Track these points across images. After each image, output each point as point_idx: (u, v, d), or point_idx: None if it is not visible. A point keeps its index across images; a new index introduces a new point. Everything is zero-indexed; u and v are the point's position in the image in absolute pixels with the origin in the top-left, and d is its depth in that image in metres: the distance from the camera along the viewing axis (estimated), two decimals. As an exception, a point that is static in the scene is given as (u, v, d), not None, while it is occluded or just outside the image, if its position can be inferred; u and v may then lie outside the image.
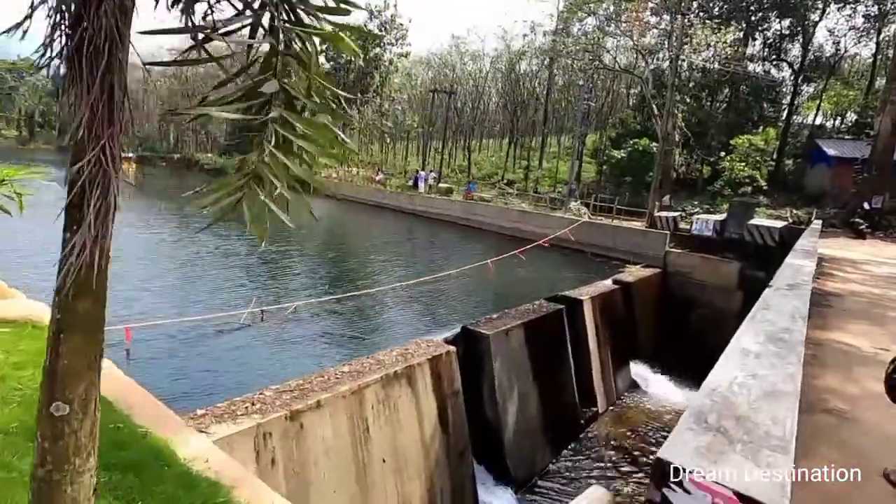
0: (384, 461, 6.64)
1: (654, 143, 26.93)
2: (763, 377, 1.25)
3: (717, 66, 29.77)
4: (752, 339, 1.65)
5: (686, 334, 16.03)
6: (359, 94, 45.83)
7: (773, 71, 36.74)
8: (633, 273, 16.68)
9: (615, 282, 15.33)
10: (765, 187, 27.80)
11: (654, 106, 26.54)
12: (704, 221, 18.96)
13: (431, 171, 35.99)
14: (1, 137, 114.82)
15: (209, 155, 74.49)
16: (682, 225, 20.96)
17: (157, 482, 1.93)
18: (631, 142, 31.37)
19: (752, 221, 18.47)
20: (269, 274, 14.46)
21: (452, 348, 8.11)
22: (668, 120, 21.98)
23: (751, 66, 33.92)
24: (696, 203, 28.81)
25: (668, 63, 28.62)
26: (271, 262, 16.07)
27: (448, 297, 13.26)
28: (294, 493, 5.55)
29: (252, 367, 7.42)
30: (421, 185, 34.01)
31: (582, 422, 11.49)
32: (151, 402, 2.83)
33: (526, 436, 9.44)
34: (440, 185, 34.04)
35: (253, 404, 5.66)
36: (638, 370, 14.64)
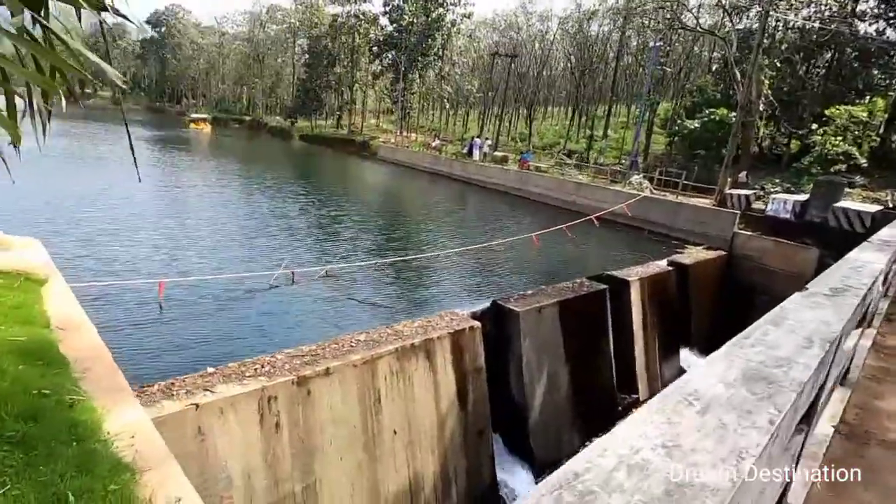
0: (395, 433, 6.53)
1: (735, 114, 24.37)
2: (685, 454, 0.72)
3: (817, 25, 26.20)
4: (719, 374, 1.12)
5: (748, 325, 14.69)
6: (419, 57, 44.96)
7: (889, 31, 31.78)
8: (692, 254, 15.40)
9: (670, 263, 14.24)
10: (864, 165, 24.53)
11: (736, 71, 23.91)
12: (782, 202, 17.03)
13: (487, 139, 34.93)
14: (98, 97, 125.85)
15: (277, 118, 77.07)
16: (757, 205, 19.03)
17: (48, 461, 1.79)
18: (707, 111, 28.66)
19: (840, 204, 16.35)
20: (314, 236, 14.66)
21: (477, 324, 7.78)
22: (750, 86, 19.68)
23: (861, 27, 29.57)
24: (777, 181, 26.02)
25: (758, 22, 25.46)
26: (319, 226, 16.32)
27: (486, 270, 12.86)
28: (299, 456, 5.58)
29: (271, 329, 7.49)
30: (475, 152, 33.16)
31: (620, 409, 10.91)
32: (109, 368, 2.74)
33: (553, 418, 9.06)
34: (495, 153, 33.04)
35: (262, 367, 5.67)
36: (689, 358, 13.69)
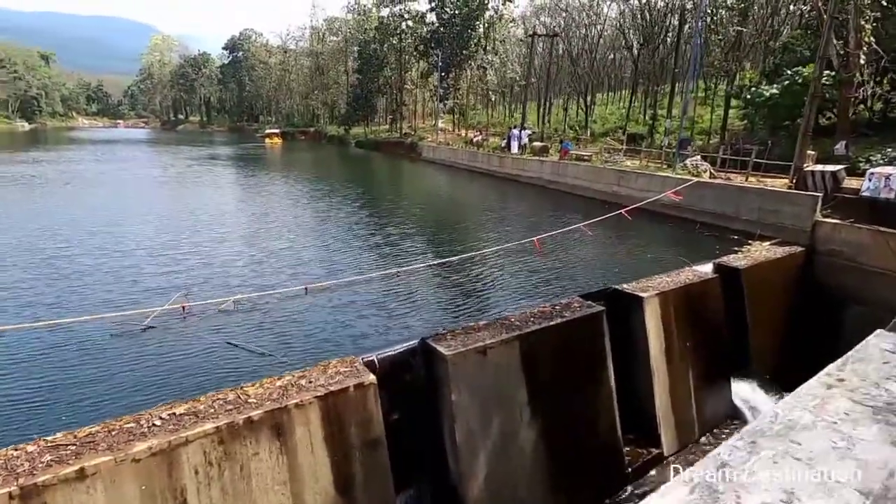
0: (218, 547, 4.67)
1: (830, 72, 19.49)
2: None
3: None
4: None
5: (835, 343, 11.00)
6: (461, 50, 42.74)
7: None
8: (750, 254, 11.96)
9: (717, 267, 11.05)
10: None
11: (824, 15, 19.13)
12: (884, 178, 12.81)
13: (525, 129, 31.85)
14: (189, 123, 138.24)
15: (337, 127, 78.77)
16: (850, 183, 14.77)
17: None
18: (790, 72, 23.60)
19: (975, 175, 11.93)
20: (289, 255, 13.17)
21: (371, 378, 5.67)
22: (827, 32, 15.33)
23: None
24: (891, 150, 20.56)
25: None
26: (305, 244, 14.89)
27: (455, 290, 10.31)
28: None
29: (109, 391, 5.88)
30: (514, 144, 30.30)
31: (629, 470, 8.20)
32: None
33: (511, 493, 6.70)
34: (534, 143, 29.95)
35: (-10, 467, 4.06)
36: (743, 392, 10.44)
